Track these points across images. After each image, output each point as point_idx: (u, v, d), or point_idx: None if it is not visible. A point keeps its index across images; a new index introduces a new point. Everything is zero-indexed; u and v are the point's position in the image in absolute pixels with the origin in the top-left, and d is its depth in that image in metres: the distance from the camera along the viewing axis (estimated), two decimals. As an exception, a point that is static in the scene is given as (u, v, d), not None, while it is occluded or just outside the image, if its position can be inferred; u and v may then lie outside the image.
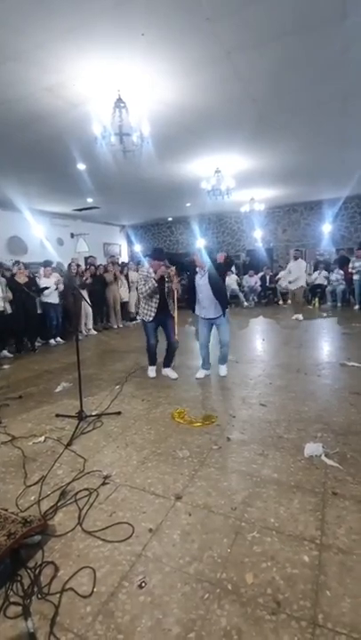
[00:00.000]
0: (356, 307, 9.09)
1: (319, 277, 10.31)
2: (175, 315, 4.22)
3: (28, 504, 2.10)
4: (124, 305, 8.81)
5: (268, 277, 11.41)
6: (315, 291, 10.37)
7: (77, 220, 12.19)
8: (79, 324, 7.29)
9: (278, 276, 10.86)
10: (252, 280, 11.38)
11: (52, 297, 6.80)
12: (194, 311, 4.21)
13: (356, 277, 9.00)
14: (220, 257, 3.95)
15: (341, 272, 9.73)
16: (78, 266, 7.90)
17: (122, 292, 8.60)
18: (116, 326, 8.48)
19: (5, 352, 6.11)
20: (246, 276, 11.57)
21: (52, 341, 6.98)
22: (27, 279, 6.49)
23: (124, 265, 9.75)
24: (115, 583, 1.54)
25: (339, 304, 9.74)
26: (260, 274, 11.52)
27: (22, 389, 4.27)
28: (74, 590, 1.51)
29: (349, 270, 9.23)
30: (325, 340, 6.14)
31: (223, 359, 4.31)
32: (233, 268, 10.61)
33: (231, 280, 10.59)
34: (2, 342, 6.15)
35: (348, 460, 2.38)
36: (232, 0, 2.74)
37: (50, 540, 1.81)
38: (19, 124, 4.70)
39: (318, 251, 12.22)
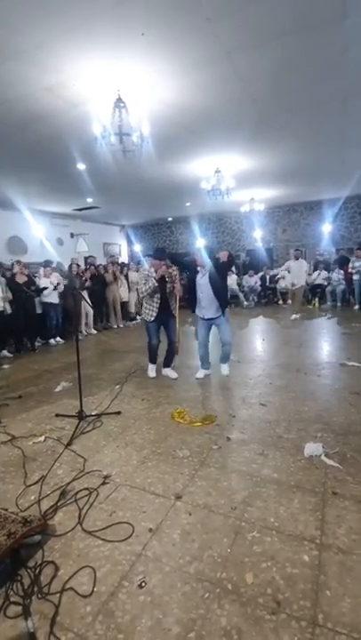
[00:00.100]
0: (356, 307, 9.10)
1: (318, 278, 10.31)
2: (177, 315, 4.22)
3: (28, 504, 2.10)
4: (124, 305, 8.81)
5: (267, 277, 11.41)
6: (315, 291, 10.37)
7: (77, 219, 12.19)
8: (79, 323, 7.30)
9: (278, 275, 10.83)
10: (252, 280, 11.38)
11: (51, 297, 6.80)
12: (194, 311, 4.20)
13: (355, 277, 9.01)
14: (223, 255, 3.93)
15: (341, 272, 9.74)
16: (78, 266, 7.90)
17: (122, 291, 8.60)
18: (115, 326, 8.49)
19: (5, 352, 6.11)
20: (246, 276, 11.57)
21: (51, 341, 6.98)
22: (26, 278, 6.49)
23: (123, 265, 9.75)
24: (115, 583, 1.54)
25: (339, 304, 9.74)
26: (260, 274, 11.52)
27: (22, 389, 4.27)
28: (74, 590, 1.51)
29: (349, 270, 9.23)
30: (325, 340, 6.14)
31: (225, 358, 4.29)
32: (233, 268, 10.60)
33: (231, 280, 10.58)
34: (2, 342, 6.16)
35: (348, 459, 2.38)
36: (232, 0, 2.74)
37: (50, 540, 1.81)
38: (19, 124, 4.70)
39: (318, 251, 12.22)
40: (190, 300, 4.16)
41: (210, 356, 4.31)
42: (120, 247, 15.02)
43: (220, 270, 3.91)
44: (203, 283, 3.94)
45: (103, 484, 2.24)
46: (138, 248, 14.71)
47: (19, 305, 6.19)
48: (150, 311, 4.17)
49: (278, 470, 2.30)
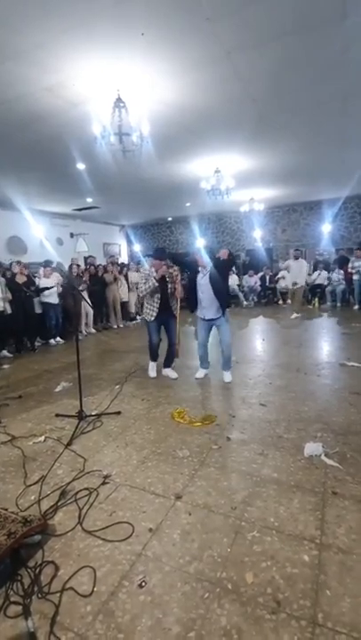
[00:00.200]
0: (356, 307, 9.10)
1: (319, 278, 10.32)
2: (177, 315, 4.22)
3: (28, 504, 2.10)
4: (124, 305, 8.81)
5: (267, 277, 11.41)
6: (315, 291, 10.38)
7: (77, 219, 12.18)
8: (79, 323, 7.29)
9: (278, 275, 10.83)
10: (252, 280, 11.38)
11: (51, 297, 6.80)
12: (193, 311, 4.19)
13: (355, 277, 9.01)
14: (224, 253, 3.91)
15: (341, 272, 9.74)
16: (78, 266, 7.90)
17: (122, 291, 8.60)
18: (115, 326, 8.49)
19: (5, 352, 6.11)
20: (246, 276, 11.57)
21: (51, 341, 6.98)
22: (25, 279, 6.49)
23: (123, 265, 9.74)
24: (115, 582, 1.54)
25: (339, 304, 9.74)
26: (260, 274, 11.53)
27: (22, 389, 4.27)
28: (74, 590, 1.52)
29: (349, 270, 9.24)
30: (325, 340, 6.14)
31: (226, 364, 4.10)
32: (233, 268, 10.60)
33: (232, 280, 10.59)
34: (2, 342, 6.16)
35: (347, 459, 2.38)
36: (232, 0, 2.74)
37: (50, 540, 1.81)
38: (19, 124, 4.70)
39: (318, 251, 12.22)
40: (190, 301, 4.13)
41: (209, 355, 4.30)
42: (120, 247, 15.02)
43: (221, 270, 3.90)
44: (203, 283, 3.93)
45: (103, 483, 2.25)
46: (138, 248, 14.71)
47: (18, 305, 6.20)
48: (151, 311, 4.18)
49: (278, 470, 2.30)
